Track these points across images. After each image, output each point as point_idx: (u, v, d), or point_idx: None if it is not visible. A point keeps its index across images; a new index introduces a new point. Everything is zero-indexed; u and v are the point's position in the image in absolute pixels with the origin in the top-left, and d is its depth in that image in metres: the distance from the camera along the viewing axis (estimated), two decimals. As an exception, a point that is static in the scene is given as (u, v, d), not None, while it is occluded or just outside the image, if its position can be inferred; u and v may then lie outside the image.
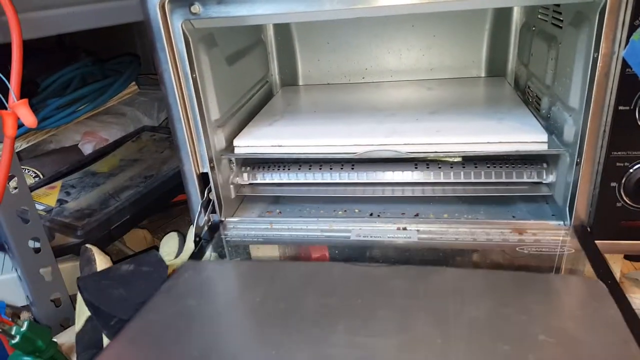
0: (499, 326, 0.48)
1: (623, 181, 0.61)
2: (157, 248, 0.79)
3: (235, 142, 0.77)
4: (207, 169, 0.71)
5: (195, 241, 0.69)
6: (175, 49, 0.64)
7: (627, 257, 0.71)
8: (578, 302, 0.53)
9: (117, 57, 1.41)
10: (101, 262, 0.76)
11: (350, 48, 1.07)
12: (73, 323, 0.73)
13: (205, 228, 0.72)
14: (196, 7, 0.61)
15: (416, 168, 0.78)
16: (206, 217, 0.72)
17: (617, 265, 0.71)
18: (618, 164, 0.61)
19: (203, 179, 0.72)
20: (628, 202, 0.62)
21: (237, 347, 0.50)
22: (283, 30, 1.07)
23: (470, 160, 0.77)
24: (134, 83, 1.34)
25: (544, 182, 0.74)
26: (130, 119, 1.36)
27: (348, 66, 1.09)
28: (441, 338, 0.46)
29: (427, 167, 0.78)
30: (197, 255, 0.67)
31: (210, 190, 0.72)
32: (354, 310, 0.51)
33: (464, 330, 0.47)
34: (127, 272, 0.72)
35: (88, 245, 0.76)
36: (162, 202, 1.05)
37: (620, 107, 0.58)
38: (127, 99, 1.38)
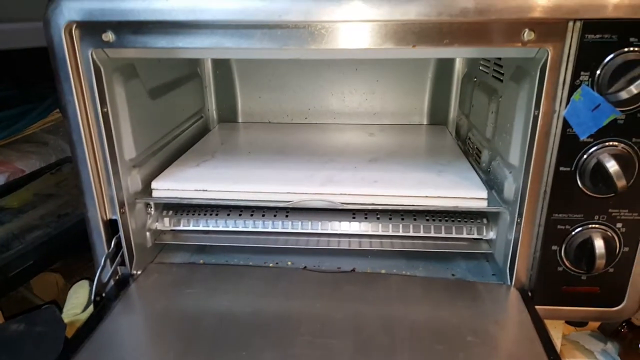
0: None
1: (564, 245, 0.59)
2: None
3: (154, 185, 0.69)
4: (116, 215, 0.62)
5: (95, 301, 0.60)
6: (83, 80, 0.56)
7: (569, 322, 0.68)
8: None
9: (44, 80, 1.30)
10: (-12, 318, 0.65)
11: (293, 87, 1.03)
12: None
13: (111, 283, 0.63)
14: (108, 35, 0.54)
15: (354, 218, 0.73)
16: (112, 271, 0.63)
17: (559, 330, 0.68)
18: (559, 226, 0.58)
19: (111, 226, 0.63)
20: (569, 266, 0.60)
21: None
22: (222, 64, 1.02)
23: (410, 213, 0.73)
24: (58, 110, 1.24)
25: (484, 238, 0.71)
26: (53, 148, 1.24)
27: (291, 105, 1.05)
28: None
29: (365, 218, 0.73)
30: (96, 318, 0.57)
31: (119, 239, 0.63)
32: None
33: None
34: (15, 333, 0.62)
35: (-26, 298, 0.66)
36: (77, 244, 0.93)
37: (561, 168, 0.55)
38: (50, 127, 1.27)
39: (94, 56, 0.56)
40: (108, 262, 0.63)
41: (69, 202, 0.99)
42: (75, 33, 0.54)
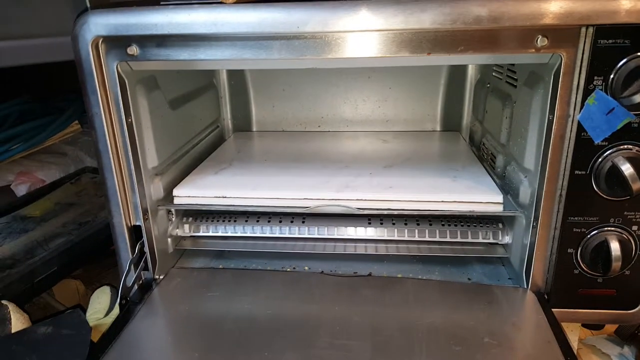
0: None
1: (580, 248, 0.59)
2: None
3: (175, 192, 0.71)
4: (140, 222, 0.64)
5: (120, 304, 0.61)
6: (108, 92, 0.58)
7: (585, 325, 0.68)
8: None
9: (63, 93, 1.34)
10: (17, 321, 0.68)
11: (306, 96, 1.05)
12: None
13: (135, 287, 0.65)
14: (133, 49, 0.56)
15: (369, 224, 0.74)
16: (136, 275, 0.65)
17: (575, 334, 0.68)
18: (575, 229, 0.58)
19: (135, 232, 0.65)
20: (585, 269, 0.60)
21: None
22: (237, 75, 1.04)
23: (425, 218, 0.73)
24: (76, 122, 1.27)
25: (499, 242, 0.71)
26: (72, 159, 1.27)
27: (304, 114, 1.06)
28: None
29: (381, 224, 0.74)
30: (122, 321, 0.59)
31: (142, 245, 0.65)
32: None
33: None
34: (44, 335, 0.64)
35: (4, 302, 0.69)
36: (98, 251, 0.96)
37: (577, 172, 0.56)
38: (69, 138, 1.30)
39: (119, 69, 0.58)
40: (132, 267, 0.64)
41: (90, 211, 1.01)
42: (101, 47, 0.57)
